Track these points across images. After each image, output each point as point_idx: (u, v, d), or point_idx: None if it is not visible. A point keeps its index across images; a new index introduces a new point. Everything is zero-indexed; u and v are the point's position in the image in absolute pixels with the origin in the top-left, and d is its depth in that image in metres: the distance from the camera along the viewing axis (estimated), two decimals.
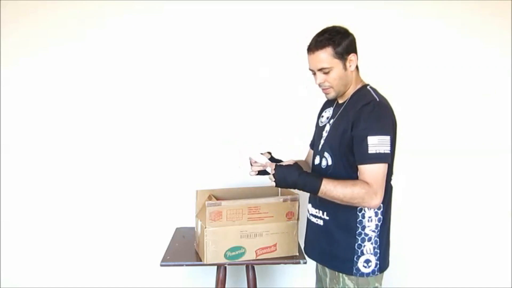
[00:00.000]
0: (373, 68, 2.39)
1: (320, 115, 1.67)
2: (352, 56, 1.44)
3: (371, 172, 1.34)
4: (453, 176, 2.49)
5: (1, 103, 2.41)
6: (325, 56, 1.42)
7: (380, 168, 1.34)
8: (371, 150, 1.33)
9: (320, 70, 1.44)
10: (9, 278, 2.47)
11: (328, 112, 1.59)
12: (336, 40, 1.41)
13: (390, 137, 1.35)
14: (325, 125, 1.56)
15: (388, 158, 1.34)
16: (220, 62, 2.42)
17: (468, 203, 2.50)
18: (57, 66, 2.40)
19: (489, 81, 2.45)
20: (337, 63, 1.43)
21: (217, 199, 1.83)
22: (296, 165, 1.44)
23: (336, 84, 1.46)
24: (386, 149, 1.34)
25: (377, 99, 1.41)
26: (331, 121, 1.53)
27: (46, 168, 2.44)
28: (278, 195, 1.94)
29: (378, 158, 1.33)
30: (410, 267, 2.51)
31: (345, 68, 1.44)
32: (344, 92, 1.50)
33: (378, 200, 1.34)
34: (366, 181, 1.34)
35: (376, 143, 1.33)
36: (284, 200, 1.78)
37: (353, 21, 2.37)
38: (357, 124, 1.37)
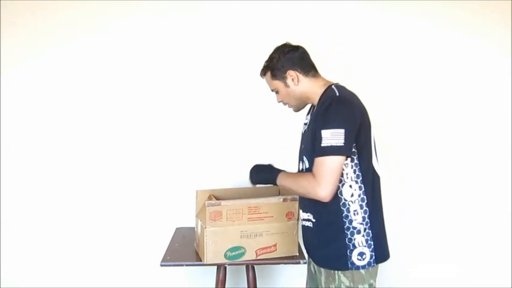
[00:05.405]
0: (375, 67, 2.41)
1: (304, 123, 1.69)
2: (290, 73, 1.50)
3: (317, 164, 1.36)
4: (453, 175, 2.49)
5: (1, 103, 2.41)
6: (268, 80, 1.58)
7: (327, 160, 1.34)
8: (324, 143, 1.34)
9: (273, 91, 1.59)
10: (9, 278, 2.47)
11: (307, 118, 1.62)
12: (270, 65, 1.53)
13: (345, 130, 1.34)
14: (305, 131, 1.59)
15: (340, 150, 1.34)
16: (220, 62, 2.41)
17: (468, 202, 2.50)
18: (57, 67, 2.40)
19: (489, 81, 2.45)
20: (278, 84, 1.54)
21: (217, 199, 1.82)
22: (268, 165, 1.62)
23: (288, 100, 1.57)
24: (339, 142, 1.33)
25: (337, 94, 1.42)
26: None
27: (46, 168, 2.44)
28: (278, 195, 1.94)
29: (329, 151, 1.34)
30: (409, 266, 2.51)
31: (287, 86, 1.52)
32: (305, 103, 1.58)
33: (323, 191, 1.34)
34: (313, 173, 1.37)
35: (329, 137, 1.34)
36: (284, 200, 1.78)
37: (354, 21, 2.41)
38: (317, 121, 1.41)
